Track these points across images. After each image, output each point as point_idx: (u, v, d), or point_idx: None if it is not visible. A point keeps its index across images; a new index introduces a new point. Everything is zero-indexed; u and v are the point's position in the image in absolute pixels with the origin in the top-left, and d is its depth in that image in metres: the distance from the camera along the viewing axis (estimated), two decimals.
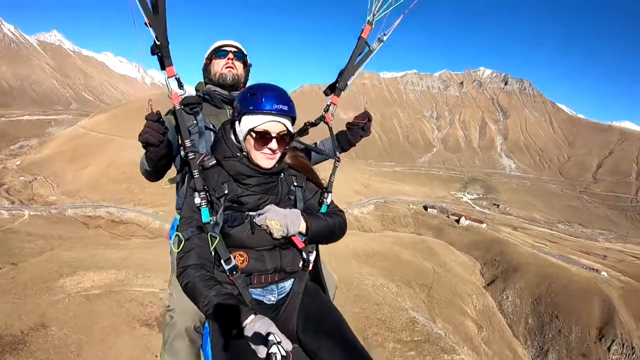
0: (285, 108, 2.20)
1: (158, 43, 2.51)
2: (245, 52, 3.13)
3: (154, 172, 2.81)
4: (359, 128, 3.17)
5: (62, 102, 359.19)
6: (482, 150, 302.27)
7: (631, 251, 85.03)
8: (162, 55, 2.55)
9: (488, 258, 64.27)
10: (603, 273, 57.10)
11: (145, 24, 2.47)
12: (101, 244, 45.12)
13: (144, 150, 2.58)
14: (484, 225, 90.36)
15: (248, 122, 2.24)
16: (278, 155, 2.31)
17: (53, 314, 19.24)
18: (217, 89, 3.02)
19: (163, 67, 2.59)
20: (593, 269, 59.08)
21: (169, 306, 2.88)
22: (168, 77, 2.57)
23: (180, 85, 2.67)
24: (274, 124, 2.21)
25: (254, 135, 2.23)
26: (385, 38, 3.01)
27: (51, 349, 16.79)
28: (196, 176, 2.29)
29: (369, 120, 3.18)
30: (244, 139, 2.29)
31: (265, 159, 2.28)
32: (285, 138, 2.27)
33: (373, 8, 2.93)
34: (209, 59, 3.07)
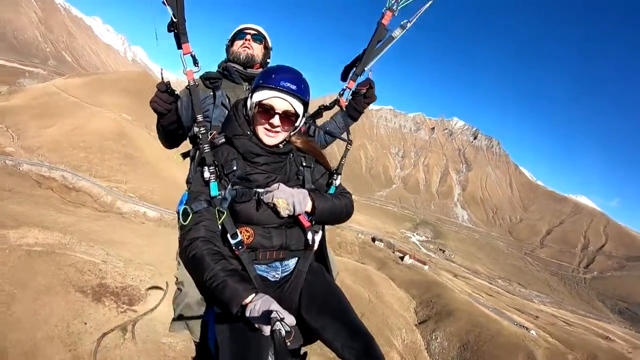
0: (293, 87, 2.18)
1: (175, 20, 2.53)
2: (264, 35, 3.17)
3: (165, 138, 3.01)
4: (361, 95, 3.15)
5: (40, 56, 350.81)
6: (439, 196, 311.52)
7: (563, 317, 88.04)
8: (178, 32, 2.56)
9: (424, 298, 65.14)
10: (532, 332, 58.19)
11: (163, 2, 2.48)
12: (50, 206, 43.16)
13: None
14: (426, 267, 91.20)
15: (257, 96, 2.26)
16: (282, 134, 2.30)
17: None
18: (235, 65, 3.07)
19: (179, 45, 2.60)
20: (523, 326, 60.30)
21: (178, 279, 2.93)
22: (184, 54, 2.59)
23: (196, 63, 2.66)
24: (279, 101, 2.20)
25: (259, 108, 2.25)
26: (409, 25, 2.94)
27: None
28: (206, 151, 2.30)
29: (371, 86, 3.13)
30: (252, 113, 2.31)
31: (266, 135, 2.29)
32: (290, 117, 2.26)
33: None
34: (231, 40, 3.17)
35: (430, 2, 2.86)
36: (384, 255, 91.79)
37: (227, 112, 2.85)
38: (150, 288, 22.05)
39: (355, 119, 3.32)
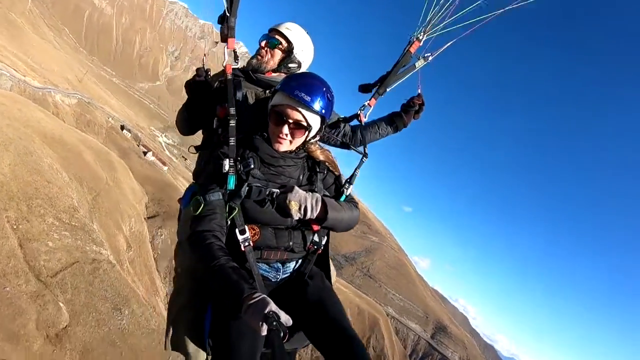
0: (307, 98, 2.21)
1: (227, 15, 2.69)
2: (283, 39, 3.02)
3: (186, 123, 3.08)
4: (414, 110, 3.30)
5: None
6: None
7: None
8: (227, 26, 2.73)
9: (157, 196, 65.82)
10: None
11: None
12: None
13: None
14: (165, 168, 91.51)
15: (274, 99, 2.36)
16: (292, 141, 2.35)
17: None
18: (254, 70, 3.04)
19: (225, 39, 2.78)
20: None
21: (177, 269, 2.99)
22: (227, 48, 2.79)
23: (236, 59, 2.91)
24: (291, 110, 2.25)
25: (272, 112, 2.34)
26: (430, 58, 3.12)
27: None
28: (231, 143, 2.35)
29: (423, 104, 3.28)
30: (268, 115, 2.39)
31: (276, 140, 2.34)
32: (301, 128, 2.31)
33: (424, 26, 3.02)
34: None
35: (453, 41, 3.06)
36: (129, 146, 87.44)
37: (243, 109, 2.83)
38: None
39: (396, 131, 3.41)
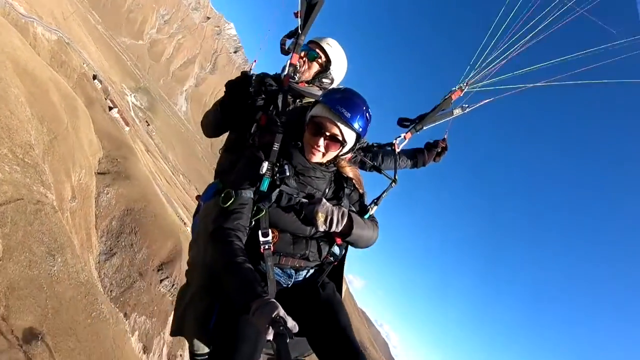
0: (347, 114, 2.28)
1: (299, 32, 2.91)
2: (321, 52, 3.16)
3: (215, 123, 3.18)
4: (436, 152, 3.53)
5: None
6: (173, 76, 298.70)
7: None
8: (296, 43, 2.95)
9: (112, 154, 62.84)
10: (188, 228, 61.45)
11: (295, 13, 2.90)
12: None
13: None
14: (127, 128, 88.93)
15: (314, 110, 2.42)
16: (325, 153, 2.42)
17: None
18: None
19: (288, 52, 3.04)
20: (183, 221, 62.71)
21: (189, 261, 3.01)
22: (290, 63, 2.96)
23: (295, 73, 3.02)
24: (330, 123, 2.33)
25: (310, 123, 2.41)
26: (468, 110, 3.31)
27: None
28: (275, 148, 2.44)
29: (446, 149, 3.49)
30: (306, 124, 2.46)
31: (309, 151, 2.41)
32: (336, 142, 2.38)
33: (467, 79, 3.22)
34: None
35: (491, 100, 3.22)
36: (96, 97, 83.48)
37: (283, 115, 2.89)
38: None
39: (414, 167, 3.54)
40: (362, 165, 3.17)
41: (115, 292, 41.35)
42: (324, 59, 3.14)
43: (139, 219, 51.83)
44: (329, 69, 3.15)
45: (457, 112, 3.29)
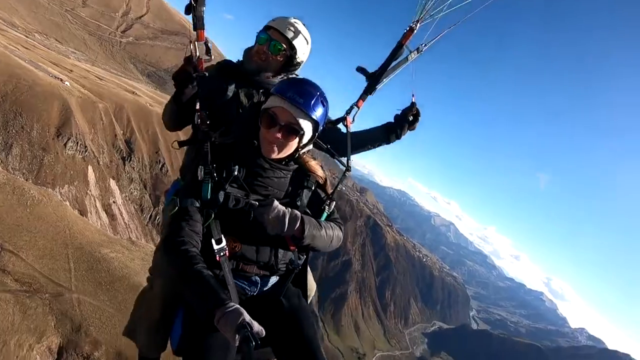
0: (300, 100, 2.14)
1: (194, 4, 2.44)
2: (287, 45, 2.81)
3: (170, 117, 2.83)
4: (407, 121, 2.99)
5: None
6: None
7: (96, 72, 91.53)
8: (194, 15, 2.46)
9: None
10: (67, 83, 59.53)
11: None
12: None
13: None
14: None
15: (267, 103, 2.25)
16: (282, 147, 2.25)
17: None
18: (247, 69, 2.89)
19: (195, 28, 2.51)
20: (59, 78, 60.40)
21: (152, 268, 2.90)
22: (197, 41, 2.49)
23: (208, 51, 2.55)
24: (283, 111, 2.16)
25: (264, 116, 2.23)
26: (424, 49, 2.90)
27: None
28: (205, 149, 2.24)
29: (418, 115, 3.00)
30: (260, 118, 2.26)
31: (266, 145, 2.24)
32: (292, 132, 2.20)
33: (421, 12, 2.78)
34: (257, 35, 2.86)
35: (446, 30, 2.84)
36: None
37: (234, 109, 2.74)
38: None
39: (388, 143, 3.09)
40: (317, 147, 2.83)
41: (30, 178, 41.45)
42: (288, 50, 2.83)
43: (16, 99, 48.96)
44: (295, 58, 2.88)
45: (413, 55, 2.90)
